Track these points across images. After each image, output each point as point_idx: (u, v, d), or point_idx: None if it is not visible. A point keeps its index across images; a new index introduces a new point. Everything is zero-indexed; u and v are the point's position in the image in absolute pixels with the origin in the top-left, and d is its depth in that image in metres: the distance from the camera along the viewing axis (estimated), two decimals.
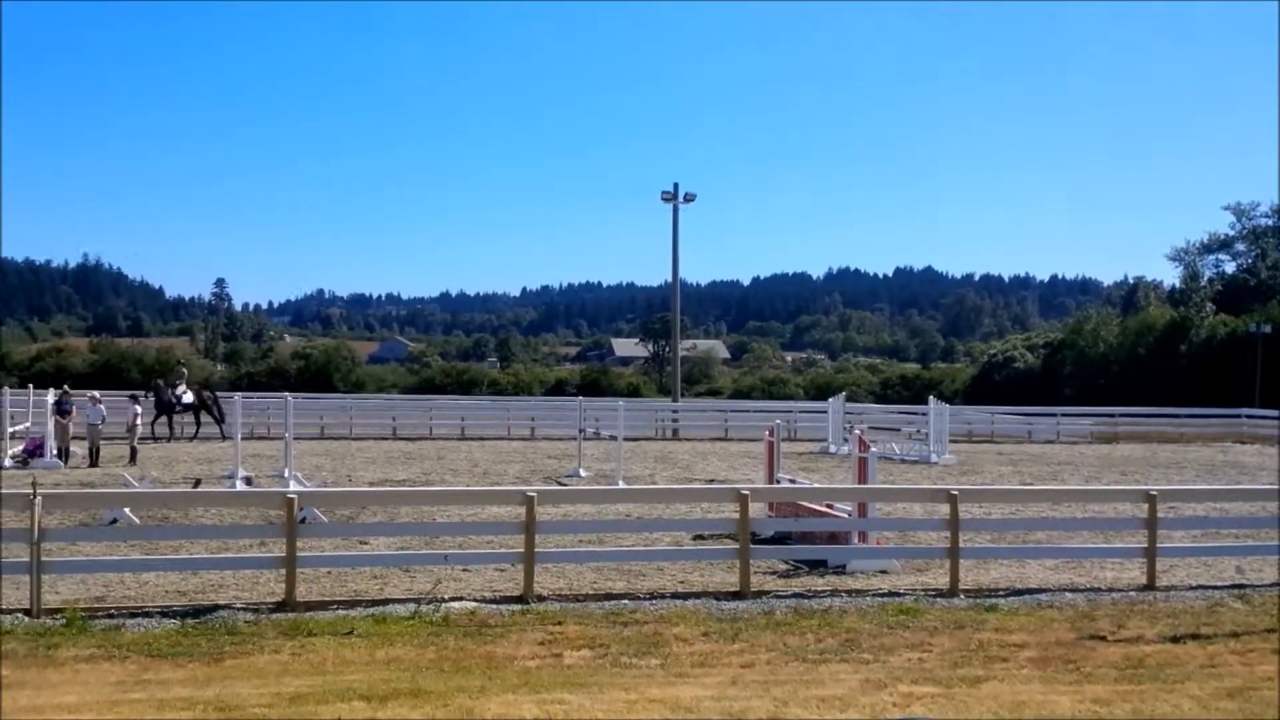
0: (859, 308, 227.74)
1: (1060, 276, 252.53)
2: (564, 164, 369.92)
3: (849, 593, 12.77)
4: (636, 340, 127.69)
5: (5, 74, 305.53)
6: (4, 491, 18.34)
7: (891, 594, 12.73)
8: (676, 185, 47.39)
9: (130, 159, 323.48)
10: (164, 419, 33.01)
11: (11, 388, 33.77)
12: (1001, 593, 13.04)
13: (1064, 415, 46.86)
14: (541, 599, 12.01)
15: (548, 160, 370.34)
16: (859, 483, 15.49)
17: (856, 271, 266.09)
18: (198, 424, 34.18)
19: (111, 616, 10.85)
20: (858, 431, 17.09)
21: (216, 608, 11.35)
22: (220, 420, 33.97)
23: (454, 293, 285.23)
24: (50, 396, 27.45)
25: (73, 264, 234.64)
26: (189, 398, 33.63)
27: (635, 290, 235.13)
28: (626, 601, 11.95)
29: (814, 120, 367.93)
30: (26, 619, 10.65)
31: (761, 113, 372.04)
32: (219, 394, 36.62)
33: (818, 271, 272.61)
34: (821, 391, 64.66)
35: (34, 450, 26.66)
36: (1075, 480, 27.14)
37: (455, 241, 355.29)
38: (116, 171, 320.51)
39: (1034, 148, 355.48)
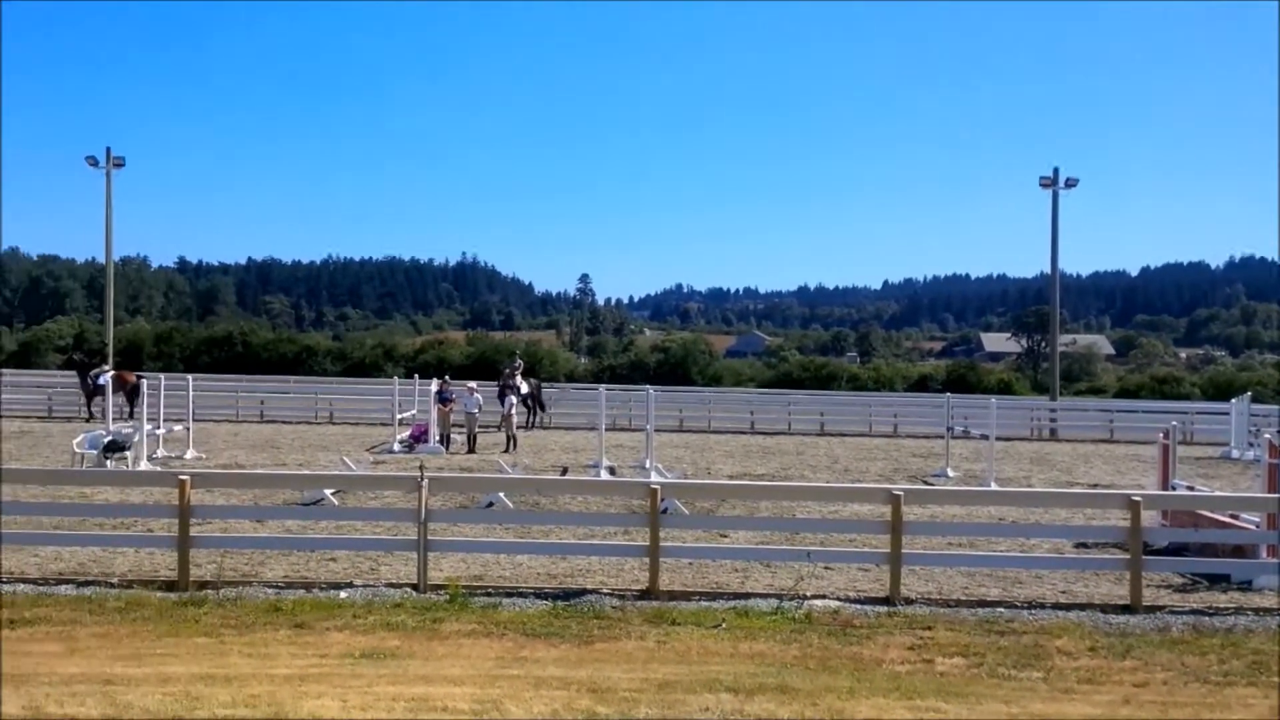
0: (1265, 299, 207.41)
1: None
2: (929, 151, 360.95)
3: (1256, 611, 11.65)
4: (1008, 335, 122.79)
5: (388, 94, 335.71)
6: (395, 474, 20.11)
7: None
8: (1056, 170, 45.09)
9: (505, 164, 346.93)
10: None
11: (400, 378, 37.12)
12: None
13: None
14: (909, 601, 11.74)
15: (912, 148, 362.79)
16: (1269, 491, 14.09)
17: (1263, 260, 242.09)
18: (537, 413, 36.51)
19: (489, 595, 11.60)
20: (1268, 436, 15.55)
21: (585, 592, 11.89)
22: (540, 410, 36.48)
23: (812, 286, 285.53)
24: (433, 386, 29.82)
25: (452, 262, 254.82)
26: (525, 388, 35.78)
27: (1007, 282, 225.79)
28: (1002, 610, 11.46)
29: (1210, 99, 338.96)
30: (414, 593, 11.59)
31: (1150, 92, 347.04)
32: (546, 385, 39.18)
33: (1217, 260, 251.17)
34: (1221, 391, 59.33)
35: (419, 436, 29.08)
36: None
37: (814, 234, 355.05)
38: (493, 175, 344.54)
39: None
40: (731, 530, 15.26)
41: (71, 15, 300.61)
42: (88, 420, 34.90)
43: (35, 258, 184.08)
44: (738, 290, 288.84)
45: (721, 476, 23.69)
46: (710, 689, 8.02)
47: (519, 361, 38.51)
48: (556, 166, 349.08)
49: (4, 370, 65.42)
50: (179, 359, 72.72)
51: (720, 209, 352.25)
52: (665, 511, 14.64)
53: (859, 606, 11.42)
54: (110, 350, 45.36)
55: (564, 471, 22.94)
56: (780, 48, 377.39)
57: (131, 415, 31.15)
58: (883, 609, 11.33)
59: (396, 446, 28.31)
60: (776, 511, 17.46)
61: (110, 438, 21.87)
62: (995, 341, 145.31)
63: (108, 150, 46.48)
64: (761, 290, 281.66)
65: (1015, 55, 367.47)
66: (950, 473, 25.52)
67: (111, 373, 34.79)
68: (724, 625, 10.44)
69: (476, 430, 28.95)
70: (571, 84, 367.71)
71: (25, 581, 11.78)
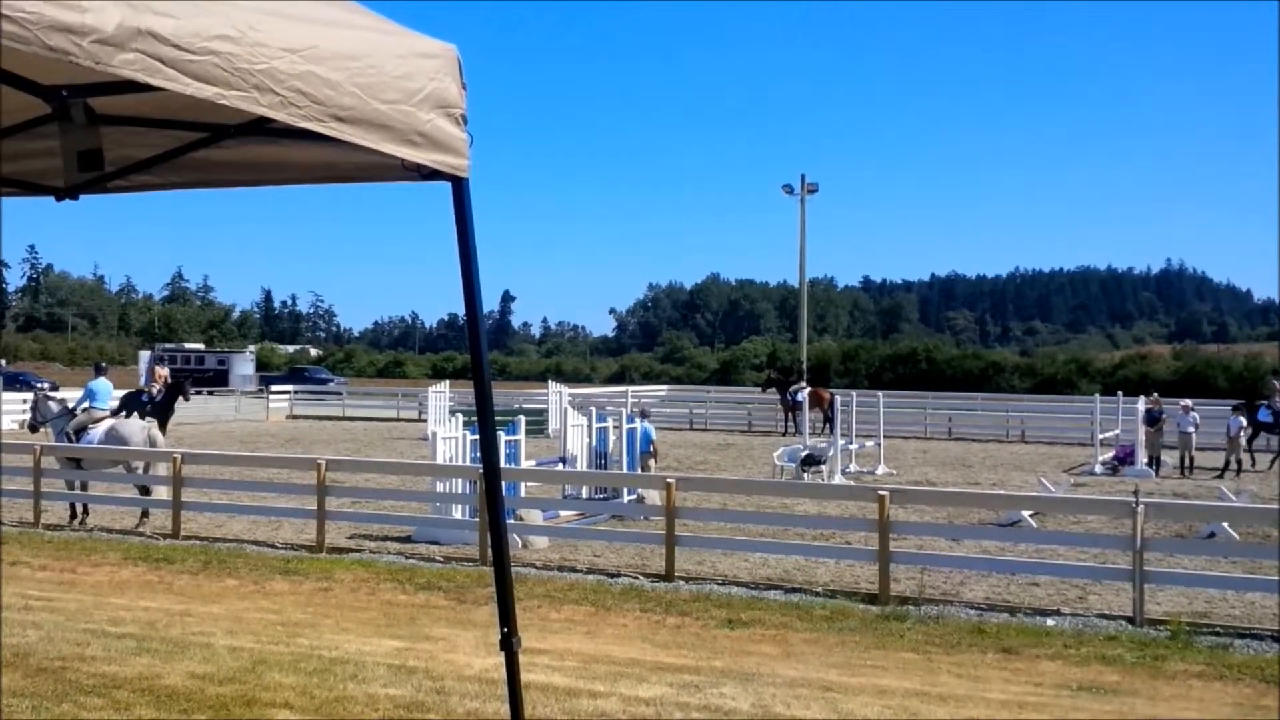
0: None
1: None
2: None
3: None
4: None
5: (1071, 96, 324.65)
6: (1100, 498, 19.44)
7: None
8: None
9: (1213, 155, 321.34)
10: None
11: (1099, 395, 35.85)
12: None
13: None
14: None
15: None
16: None
17: None
18: None
19: (1217, 635, 10.77)
20: None
21: None
22: None
23: None
24: (1139, 404, 28.42)
25: (1155, 269, 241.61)
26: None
27: None
28: None
29: None
30: (1130, 627, 11.06)
31: None
32: None
33: None
34: None
35: (1124, 458, 27.85)
36: None
37: None
38: (1199, 174, 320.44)
39: None
40: None
41: (782, 61, 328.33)
42: (784, 435, 37.77)
43: (733, 282, 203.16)
44: None
45: None
46: None
47: (1275, 384, 34.05)
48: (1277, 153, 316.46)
49: (710, 386, 73.05)
50: (864, 375, 76.42)
51: None
52: None
53: None
54: (804, 368, 48.69)
55: None
56: None
57: (825, 431, 33.19)
58: None
59: (1098, 468, 27.38)
60: None
61: (808, 452, 23.43)
62: None
63: (802, 177, 50.11)
64: None
65: None
66: None
67: (807, 389, 37.38)
68: None
69: (1193, 453, 27.12)
70: None
71: (739, 584, 12.95)
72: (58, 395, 23.36)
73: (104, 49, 2.59)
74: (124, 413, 31.05)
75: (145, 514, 16.81)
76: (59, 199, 4.68)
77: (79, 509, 17.30)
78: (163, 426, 31.50)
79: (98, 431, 17.50)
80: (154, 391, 32.23)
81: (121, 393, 36.88)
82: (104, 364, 21.54)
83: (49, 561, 13.57)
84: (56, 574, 12.88)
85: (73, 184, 4.58)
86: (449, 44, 3.84)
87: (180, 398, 33.00)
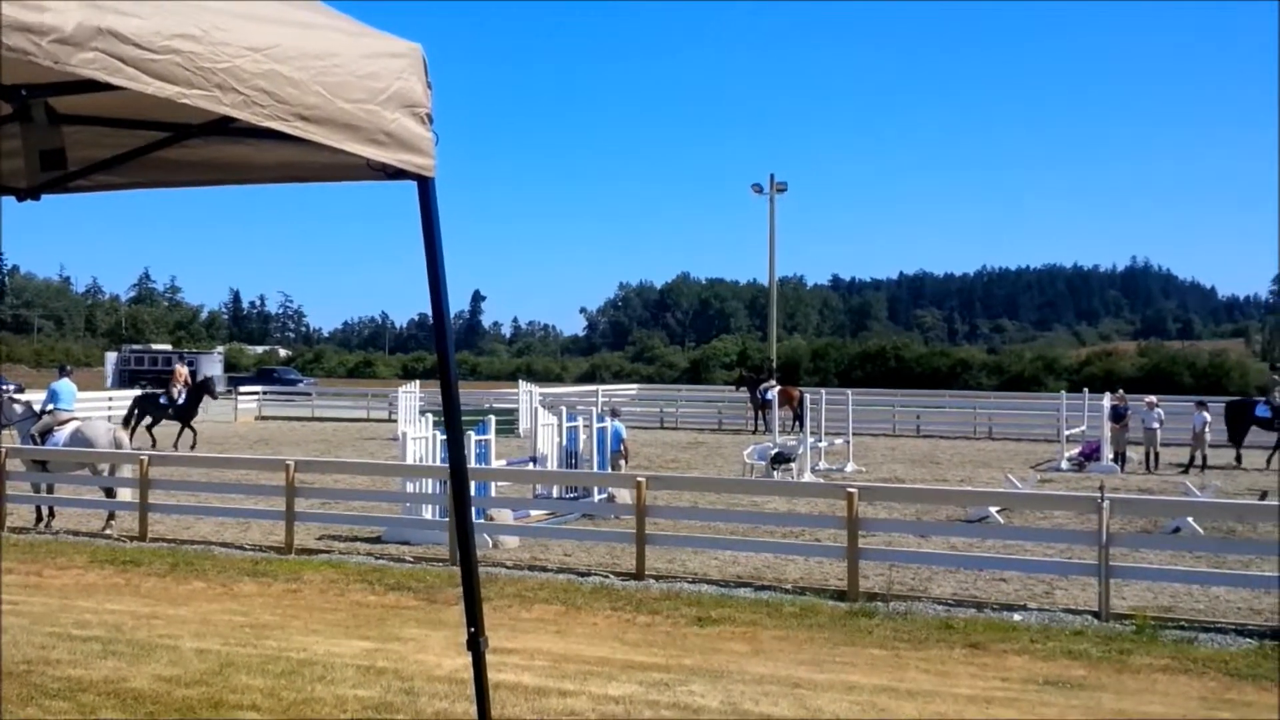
0: None
1: None
2: None
3: None
4: None
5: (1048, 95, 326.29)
6: (1067, 494, 19.56)
7: None
8: None
9: (1176, 155, 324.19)
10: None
11: (1065, 392, 36.07)
12: None
13: None
14: None
15: None
16: None
17: None
18: None
19: (1182, 629, 10.87)
20: None
21: None
22: None
23: None
24: (1105, 401, 28.62)
25: (1120, 267, 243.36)
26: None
27: None
28: None
29: None
30: (1095, 621, 11.16)
31: None
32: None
33: None
34: None
35: (1090, 454, 28.04)
36: None
37: None
38: (1165, 173, 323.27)
39: None
40: None
41: (744, 64, 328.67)
42: (754, 433, 37.86)
43: (704, 281, 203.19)
44: None
45: None
46: None
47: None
48: (1239, 155, 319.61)
49: (680, 385, 73.06)
50: (833, 374, 76.68)
51: None
52: None
53: None
54: (774, 366, 48.86)
55: (1263, 496, 20.96)
56: None
57: (794, 429, 33.29)
58: None
59: (1064, 464, 27.56)
60: None
61: (777, 450, 23.49)
62: None
63: (771, 176, 50.24)
64: None
65: None
66: None
67: (777, 388, 37.47)
68: None
69: (1158, 449, 27.35)
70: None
71: (709, 582, 12.97)
72: (23, 397, 23.16)
73: (64, 48, 2.57)
74: (138, 414, 30.47)
75: (112, 516, 16.66)
76: (20, 199, 4.63)
77: (45, 511, 17.15)
78: (190, 428, 30.58)
79: (63, 433, 17.34)
80: (175, 393, 30.84)
81: (132, 394, 36.17)
82: (68, 365, 21.36)
83: (14, 565, 13.43)
84: (22, 577, 12.75)
85: (35, 184, 4.54)
86: (414, 43, 3.83)
87: (206, 397, 31.73)
